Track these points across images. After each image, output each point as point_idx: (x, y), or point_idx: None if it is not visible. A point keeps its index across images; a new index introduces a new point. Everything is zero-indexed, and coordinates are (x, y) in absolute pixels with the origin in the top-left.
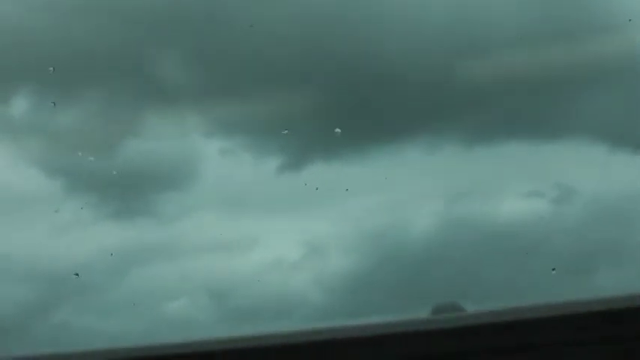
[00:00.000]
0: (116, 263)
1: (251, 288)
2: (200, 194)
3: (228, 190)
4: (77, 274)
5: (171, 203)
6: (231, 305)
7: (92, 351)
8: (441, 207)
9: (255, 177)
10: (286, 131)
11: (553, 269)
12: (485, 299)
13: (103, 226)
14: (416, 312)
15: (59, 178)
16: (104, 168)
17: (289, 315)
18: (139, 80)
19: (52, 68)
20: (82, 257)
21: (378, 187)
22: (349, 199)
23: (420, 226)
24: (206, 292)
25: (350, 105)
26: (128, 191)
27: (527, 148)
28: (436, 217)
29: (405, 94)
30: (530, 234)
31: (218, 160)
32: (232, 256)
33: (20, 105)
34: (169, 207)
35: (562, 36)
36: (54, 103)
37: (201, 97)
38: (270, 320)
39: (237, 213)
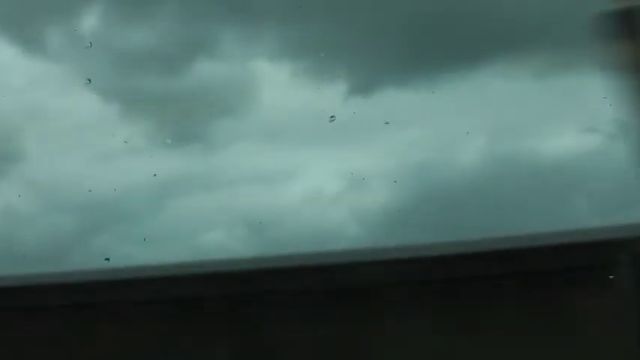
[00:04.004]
0: (159, 191)
1: (289, 220)
2: (255, 121)
3: (284, 117)
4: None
5: (225, 130)
6: (268, 237)
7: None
8: (494, 141)
9: (321, 101)
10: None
11: None
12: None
13: (153, 153)
14: None
15: (116, 102)
16: (167, 90)
17: (326, 248)
18: None
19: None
20: (126, 185)
21: (436, 116)
22: (401, 130)
23: (469, 160)
24: (244, 222)
25: (425, 29)
26: (185, 117)
27: (600, 77)
28: (484, 152)
29: (484, 18)
30: (577, 170)
31: (285, 82)
32: (274, 186)
33: (90, 20)
34: (222, 134)
35: None
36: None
37: (279, 16)
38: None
39: (286, 142)
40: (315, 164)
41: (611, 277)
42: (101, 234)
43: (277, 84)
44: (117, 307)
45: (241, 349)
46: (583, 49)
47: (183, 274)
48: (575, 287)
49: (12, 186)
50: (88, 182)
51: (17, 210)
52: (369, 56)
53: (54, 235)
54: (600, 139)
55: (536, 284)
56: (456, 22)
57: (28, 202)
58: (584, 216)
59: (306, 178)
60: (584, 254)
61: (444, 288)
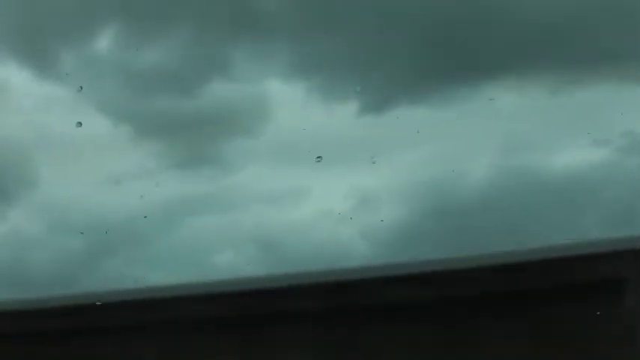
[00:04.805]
0: (171, 214)
1: (299, 239)
2: (269, 142)
3: (297, 137)
4: None
5: (238, 151)
6: (278, 257)
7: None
8: (504, 155)
9: (333, 120)
10: (359, 88)
11: None
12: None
13: (165, 175)
14: None
15: (128, 123)
16: (180, 112)
17: (336, 266)
18: (230, 13)
19: None
20: (138, 208)
21: (449, 132)
22: (413, 147)
23: (479, 176)
24: (254, 243)
25: (437, 45)
26: (197, 138)
27: (614, 92)
28: (496, 166)
29: (498, 32)
30: (587, 184)
31: (297, 102)
32: (284, 207)
33: (103, 42)
34: (235, 155)
35: None
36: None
37: (291, 34)
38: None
39: (298, 162)
40: (325, 183)
41: (622, 290)
42: (112, 257)
43: (290, 104)
44: (127, 328)
45: None
46: (595, 64)
47: (194, 294)
48: (582, 300)
49: (24, 210)
50: (99, 205)
51: (28, 234)
52: (381, 73)
53: (64, 259)
54: (611, 152)
55: (545, 299)
56: (468, 38)
57: (39, 225)
58: (594, 228)
59: (316, 197)
60: (593, 267)
61: (453, 304)
